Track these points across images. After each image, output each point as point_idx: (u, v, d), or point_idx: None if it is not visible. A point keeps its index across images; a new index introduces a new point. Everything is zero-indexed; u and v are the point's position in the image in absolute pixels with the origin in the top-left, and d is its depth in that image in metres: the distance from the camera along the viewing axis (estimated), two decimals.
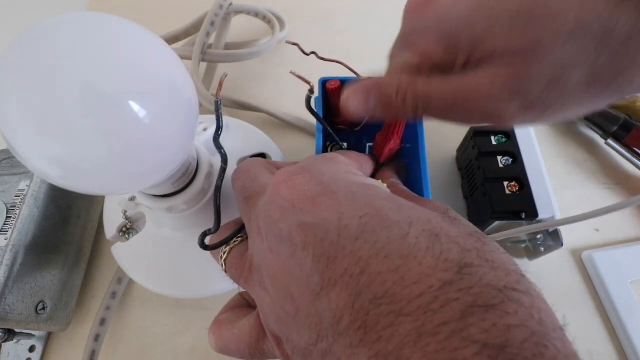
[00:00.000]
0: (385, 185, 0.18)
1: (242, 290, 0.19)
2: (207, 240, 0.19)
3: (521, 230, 0.26)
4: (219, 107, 0.19)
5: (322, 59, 0.24)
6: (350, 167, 0.18)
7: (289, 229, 0.14)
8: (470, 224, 0.15)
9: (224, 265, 0.19)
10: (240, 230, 0.19)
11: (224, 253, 0.19)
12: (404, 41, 0.19)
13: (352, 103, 0.19)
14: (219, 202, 0.20)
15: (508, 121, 0.16)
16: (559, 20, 0.14)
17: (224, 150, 0.20)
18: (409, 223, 0.13)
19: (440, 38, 0.17)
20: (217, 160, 0.29)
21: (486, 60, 0.16)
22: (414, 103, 0.17)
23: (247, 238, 0.19)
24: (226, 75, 0.21)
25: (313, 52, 0.24)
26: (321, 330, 0.12)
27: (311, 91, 0.22)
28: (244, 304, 0.20)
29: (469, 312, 0.10)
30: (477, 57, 0.16)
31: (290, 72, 0.22)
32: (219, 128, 0.20)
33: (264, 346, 0.16)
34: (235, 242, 0.19)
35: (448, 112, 0.17)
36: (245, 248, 0.18)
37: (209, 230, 0.19)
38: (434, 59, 0.17)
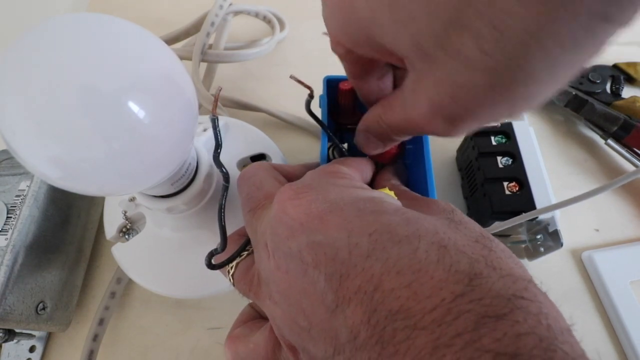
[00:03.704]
0: (393, 193, 0.18)
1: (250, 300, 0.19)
2: (214, 259, 0.19)
3: (507, 223, 0.25)
4: (217, 124, 0.19)
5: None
6: (354, 181, 0.18)
7: (299, 248, 0.14)
8: (476, 226, 0.15)
9: (231, 280, 0.19)
10: (246, 244, 0.19)
11: (231, 268, 0.19)
12: (329, 32, 0.18)
13: (368, 150, 0.21)
14: (224, 221, 0.19)
15: (447, 135, 0.16)
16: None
17: (225, 169, 0.19)
18: (418, 237, 0.13)
19: (349, 36, 0.16)
20: None
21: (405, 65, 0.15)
22: (389, 136, 0.19)
23: (252, 251, 0.19)
24: (220, 89, 0.21)
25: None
26: (337, 345, 0.13)
27: (310, 96, 0.22)
28: (255, 316, 0.20)
29: (481, 322, 0.10)
30: (394, 59, 0.15)
31: (290, 77, 0.21)
32: (218, 146, 0.19)
33: (280, 357, 0.17)
34: (241, 256, 0.19)
35: (413, 134, 0.18)
36: (252, 261, 0.18)
37: (215, 250, 0.19)
38: (356, 58, 0.17)
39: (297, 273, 0.14)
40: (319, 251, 0.14)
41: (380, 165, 0.24)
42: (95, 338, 0.29)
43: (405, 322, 0.11)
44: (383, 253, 0.13)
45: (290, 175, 0.21)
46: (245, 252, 0.19)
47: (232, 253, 0.19)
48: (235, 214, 0.24)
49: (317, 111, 0.25)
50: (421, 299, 0.11)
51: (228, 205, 0.26)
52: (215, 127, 0.19)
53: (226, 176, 0.20)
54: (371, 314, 0.12)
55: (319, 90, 0.25)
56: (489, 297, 0.11)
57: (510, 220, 0.25)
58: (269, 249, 0.16)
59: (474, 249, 0.13)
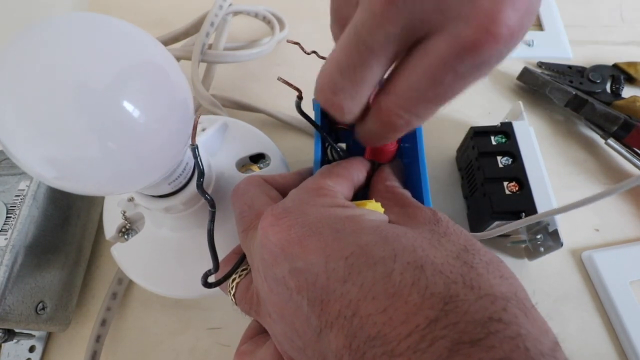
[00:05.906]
0: (379, 205, 0.18)
1: None
2: (210, 279, 0.20)
3: (509, 227, 0.25)
4: (197, 153, 0.19)
5: (323, 58, 0.24)
6: (336, 197, 0.18)
7: (282, 274, 0.15)
8: (461, 237, 0.15)
9: (233, 300, 0.19)
10: (241, 261, 0.20)
11: (232, 288, 0.19)
12: None
13: (371, 143, 0.20)
14: (214, 245, 0.20)
15: None
16: None
17: (210, 196, 0.20)
18: (394, 257, 0.13)
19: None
20: (215, 161, 0.29)
21: None
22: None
23: (250, 269, 0.19)
24: (199, 115, 0.21)
25: (314, 52, 0.24)
26: None
27: (300, 97, 0.22)
28: (261, 330, 0.20)
29: (455, 349, 0.10)
30: None
31: (278, 79, 0.22)
32: (201, 174, 0.19)
33: None
34: (240, 275, 0.19)
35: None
36: (250, 280, 0.19)
37: (209, 271, 0.19)
38: None
39: (284, 297, 0.15)
40: (300, 277, 0.14)
41: (377, 164, 0.24)
42: (98, 339, 0.29)
43: (383, 349, 0.11)
44: (359, 277, 0.13)
45: (282, 187, 0.21)
46: (245, 271, 0.19)
47: (227, 271, 0.19)
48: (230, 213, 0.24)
49: (311, 113, 0.25)
50: (396, 325, 0.11)
51: (225, 215, 0.26)
52: (196, 157, 0.19)
53: (211, 202, 0.20)
54: (352, 339, 0.12)
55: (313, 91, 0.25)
56: (464, 322, 0.11)
57: (512, 224, 0.25)
58: (260, 272, 0.16)
59: (453, 267, 0.13)
